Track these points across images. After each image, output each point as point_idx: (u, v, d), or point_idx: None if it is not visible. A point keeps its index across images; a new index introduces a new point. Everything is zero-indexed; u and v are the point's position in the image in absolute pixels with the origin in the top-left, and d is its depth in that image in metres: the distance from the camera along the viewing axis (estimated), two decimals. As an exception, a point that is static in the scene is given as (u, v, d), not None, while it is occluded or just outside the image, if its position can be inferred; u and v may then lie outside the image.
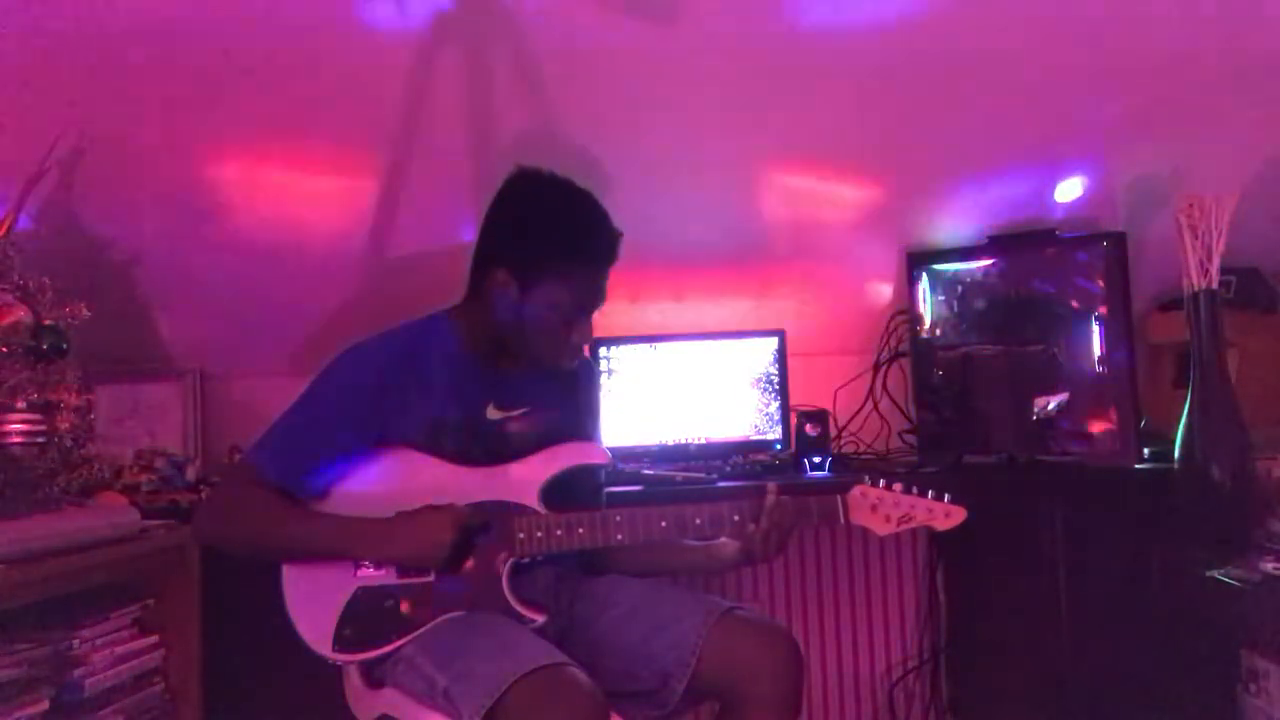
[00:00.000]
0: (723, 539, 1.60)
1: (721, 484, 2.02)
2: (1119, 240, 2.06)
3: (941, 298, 2.24)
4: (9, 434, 1.51)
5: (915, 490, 1.54)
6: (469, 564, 1.49)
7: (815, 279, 2.39)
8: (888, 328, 2.37)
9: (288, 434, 1.50)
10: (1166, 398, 2.11)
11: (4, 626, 1.42)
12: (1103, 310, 2.05)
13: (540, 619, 1.48)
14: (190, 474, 2.12)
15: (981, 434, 2.16)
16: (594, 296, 1.55)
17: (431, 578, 1.49)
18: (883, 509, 1.53)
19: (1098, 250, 2.07)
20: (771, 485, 1.55)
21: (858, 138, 2.04)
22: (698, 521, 1.53)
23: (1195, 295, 1.87)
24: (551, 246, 1.50)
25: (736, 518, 1.53)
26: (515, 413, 1.58)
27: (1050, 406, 2.09)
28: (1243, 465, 1.83)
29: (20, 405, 1.53)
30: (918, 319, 2.26)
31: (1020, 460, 2.12)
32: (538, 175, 1.56)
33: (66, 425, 1.59)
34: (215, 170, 1.97)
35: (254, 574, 1.47)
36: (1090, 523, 1.99)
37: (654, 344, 2.30)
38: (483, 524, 1.49)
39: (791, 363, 2.31)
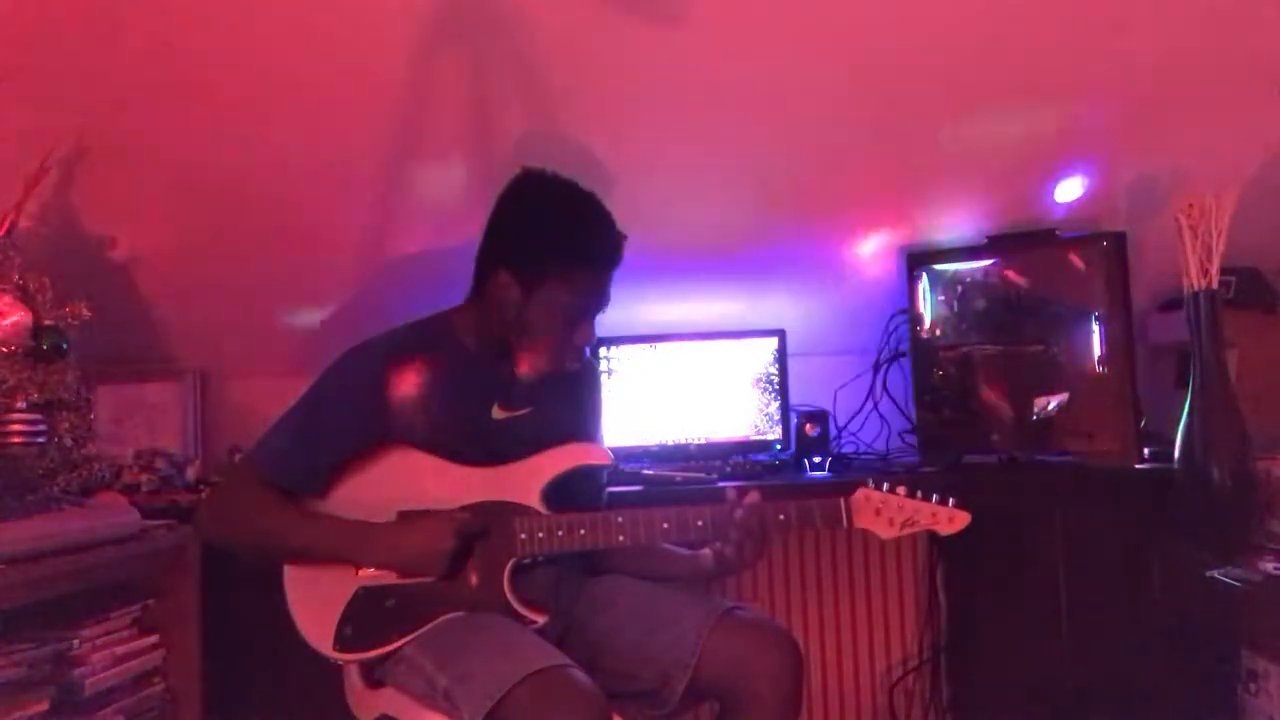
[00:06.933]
0: (704, 550, 1.59)
1: (721, 484, 2.02)
2: (1119, 240, 2.06)
3: (941, 298, 2.24)
4: (9, 434, 1.51)
5: (919, 494, 1.52)
6: (470, 566, 1.49)
7: (815, 279, 2.39)
8: (888, 328, 2.36)
9: (290, 433, 1.50)
10: (1166, 398, 2.11)
11: (4, 626, 1.42)
12: (1103, 310, 2.05)
13: (541, 620, 1.48)
14: (190, 474, 2.12)
15: (981, 434, 2.16)
16: (597, 299, 1.55)
17: (432, 578, 1.49)
18: (886, 513, 1.51)
19: (1098, 250, 2.07)
20: (731, 493, 1.52)
21: (856, 137, 2.04)
22: (699, 524, 1.52)
23: (1195, 295, 1.87)
24: (554, 249, 1.49)
25: (700, 523, 1.52)
26: (520, 413, 1.58)
27: (1050, 406, 2.09)
28: (1243, 465, 1.83)
29: (20, 405, 1.52)
30: (918, 319, 2.26)
31: (1020, 460, 2.12)
32: (542, 176, 1.55)
33: (66, 425, 1.59)
34: (214, 171, 1.97)
35: (254, 574, 1.47)
36: (1090, 523, 1.99)
37: (654, 344, 2.30)
38: (482, 529, 1.49)
39: (791, 363, 2.31)
